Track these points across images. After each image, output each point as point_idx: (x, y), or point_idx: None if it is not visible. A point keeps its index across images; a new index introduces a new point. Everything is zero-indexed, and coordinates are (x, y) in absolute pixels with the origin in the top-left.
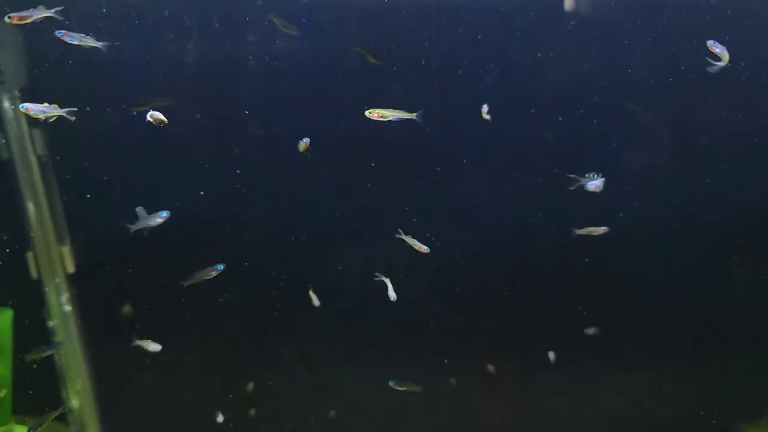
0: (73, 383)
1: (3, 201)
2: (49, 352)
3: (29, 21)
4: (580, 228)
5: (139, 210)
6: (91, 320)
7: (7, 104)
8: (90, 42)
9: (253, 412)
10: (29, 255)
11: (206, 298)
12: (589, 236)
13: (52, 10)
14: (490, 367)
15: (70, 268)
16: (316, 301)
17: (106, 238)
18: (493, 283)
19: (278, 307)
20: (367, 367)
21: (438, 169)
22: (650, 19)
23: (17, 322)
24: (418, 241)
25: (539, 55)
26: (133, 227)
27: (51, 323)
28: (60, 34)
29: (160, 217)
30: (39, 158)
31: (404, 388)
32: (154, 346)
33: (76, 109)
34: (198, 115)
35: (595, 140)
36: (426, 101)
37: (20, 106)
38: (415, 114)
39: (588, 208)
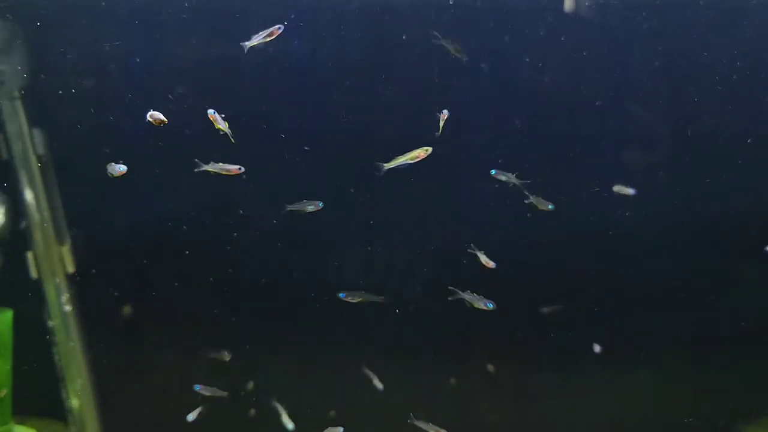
0: (73, 383)
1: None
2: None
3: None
4: None
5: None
6: (91, 320)
7: (7, 104)
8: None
9: (253, 412)
10: (29, 255)
11: (207, 298)
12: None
13: None
14: (490, 367)
15: (70, 268)
16: (378, 383)
17: (106, 238)
18: (493, 282)
19: (279, 307)
20: (367, 367)
21: (438, 168)
22: (650, 18)
23: (17, 322)
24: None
25: (538, 55)
26: (290, 207)
27: (51, 323)
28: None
29: (316, 206)
30: (39, 158)
31: None
32: (377, 382)
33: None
34: (198, 116)
35: (594, 140)
36: (426, 101)
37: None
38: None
39: (588, 209)
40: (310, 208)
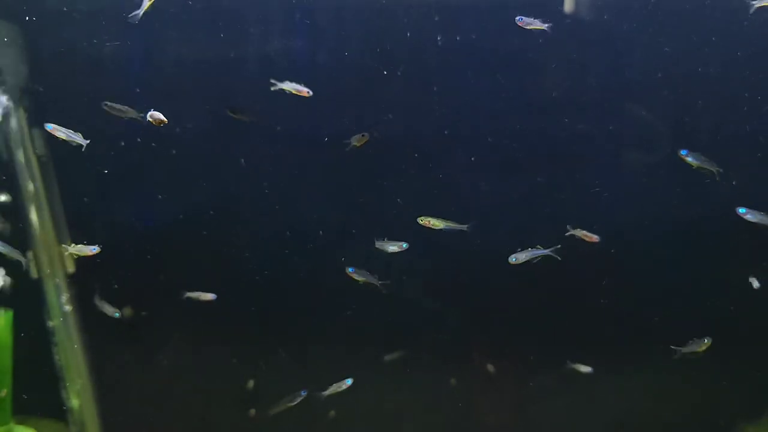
0: (73, 383)
1: (3, 201)
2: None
3: None
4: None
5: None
6: (91, 320)
7: (7, 104)
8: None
9: (253, 412)
10: (29, 255)
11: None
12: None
13: None
14: (490, 367)
15: (70, 268)
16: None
17: (106, 238)
18: (493, 282)
19: (278, 307)
20: (367, 367)
21: (438, 168)
22: (649, 19)
23: (17, 322)
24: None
25: (538, 55)
26: (379, 244)
27: (51, 323)
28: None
29: (401, 247)
30: (39, 158)
31: None
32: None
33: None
34: (198, 116)
35: (593, 141)
36: (426, 101)
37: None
38: (466, 226)
39: (588, 209)
40: (396, 248)
